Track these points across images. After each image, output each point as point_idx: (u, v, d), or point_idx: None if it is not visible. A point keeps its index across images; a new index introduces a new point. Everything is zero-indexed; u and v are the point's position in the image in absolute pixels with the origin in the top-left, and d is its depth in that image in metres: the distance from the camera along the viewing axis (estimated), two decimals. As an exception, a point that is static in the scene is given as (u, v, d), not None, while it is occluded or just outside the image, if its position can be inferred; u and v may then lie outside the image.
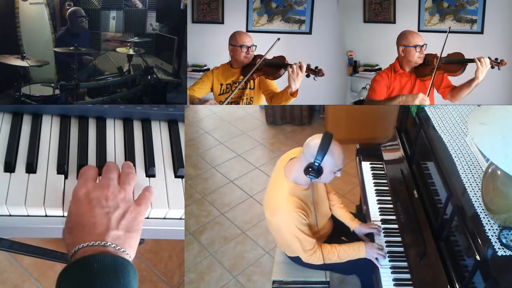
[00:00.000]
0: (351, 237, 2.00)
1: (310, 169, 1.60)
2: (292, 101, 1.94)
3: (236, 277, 2.57)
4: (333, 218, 2.03)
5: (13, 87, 2.15)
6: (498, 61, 1.97)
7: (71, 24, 2.42)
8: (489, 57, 1.95)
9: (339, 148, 1.62)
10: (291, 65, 1.87)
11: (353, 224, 1.99)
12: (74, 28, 2.43)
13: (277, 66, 1.98)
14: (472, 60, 1.95)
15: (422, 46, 2.05)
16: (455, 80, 2.08)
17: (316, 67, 1.88)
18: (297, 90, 1.88)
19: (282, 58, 1.99)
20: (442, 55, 2.03)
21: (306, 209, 1.69)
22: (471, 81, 1.97)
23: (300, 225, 1.67)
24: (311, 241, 1.72)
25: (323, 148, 1.57)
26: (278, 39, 2.01)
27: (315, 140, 1.61)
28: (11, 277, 2.33)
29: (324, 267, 1.86)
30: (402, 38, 2.08)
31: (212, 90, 2.15)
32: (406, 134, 2.16)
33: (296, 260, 1.94)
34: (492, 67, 1.96)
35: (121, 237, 1.00)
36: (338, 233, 2.03)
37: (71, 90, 2.18)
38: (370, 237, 1.94)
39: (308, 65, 1.88)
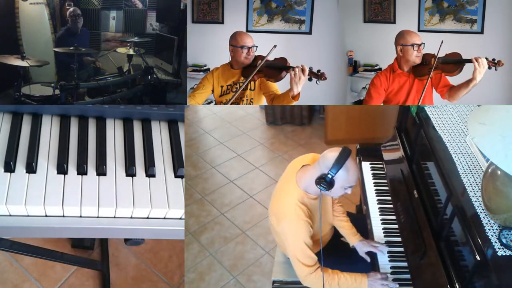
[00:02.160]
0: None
1: (322, 179, 1.58)
2: (292, 102, 1.92)
3: (236, 277, 2.56)
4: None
5: (13, 87, 2.16)
6: (495, 61, 1.96)
7: (71, 23, 2.42)
8: (486, 58, 1.94)
9: (354, 165, 1.61)
10: (293, 68, 1.83)
11: (354, 240, 1.92)
12: (73, 28, 2.43)
13: (278, 68, 1.94)
14: (469, 61, 1.95)
15: (420, 45, 2.04)
16: (454, 80, 2.08)
17: (319, 71, 1.85)
18: (298, 94, 1.85)
19: (283, 60, 1.96)
20: (441, 55, 2.03)
21: (313, 218, 1.67)
22: (468, 82, 1.96)
23: (305, 237, 1.63)
24: (312, 258, 1.67)
25: (340, 162, 1.55)
26: (275, 46, 1.96)
27: (333, 153, 1.59)
28: (11, 277, 2.33)
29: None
30: (400, 38, 2.08)
31: (212, 92, 2.13)
32: (406, 134, 2.16)
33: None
34: (489, 67, 1.95)
35: None
36: (337, 235, 2.02)
37: (71, 90, 2.19)
38: (370, 254, 1.85)
39: (310, 68, 1.84)
